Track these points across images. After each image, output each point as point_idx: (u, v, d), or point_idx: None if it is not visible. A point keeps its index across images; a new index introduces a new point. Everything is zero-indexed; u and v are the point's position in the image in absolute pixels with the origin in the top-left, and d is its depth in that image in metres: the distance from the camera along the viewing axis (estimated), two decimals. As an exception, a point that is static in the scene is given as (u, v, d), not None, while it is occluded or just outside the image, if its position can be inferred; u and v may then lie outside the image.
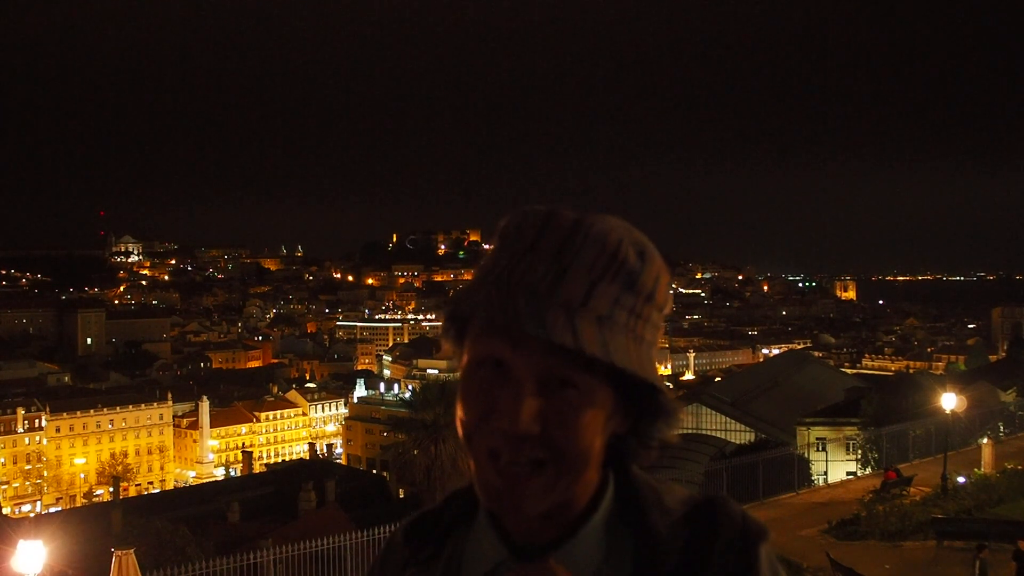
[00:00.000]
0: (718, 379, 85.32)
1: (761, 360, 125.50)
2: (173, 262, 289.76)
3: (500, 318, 0.93)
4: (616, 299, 0.95)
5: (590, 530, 0.99)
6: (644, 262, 0.98)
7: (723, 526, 0.97)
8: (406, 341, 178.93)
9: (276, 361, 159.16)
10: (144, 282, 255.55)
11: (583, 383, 0.93)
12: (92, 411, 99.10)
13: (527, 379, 0.93)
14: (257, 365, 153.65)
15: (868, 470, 27.94)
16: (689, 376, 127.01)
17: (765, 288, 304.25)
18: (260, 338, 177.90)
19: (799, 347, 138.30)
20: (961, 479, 22.80)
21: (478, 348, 0.96)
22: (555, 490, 0.95)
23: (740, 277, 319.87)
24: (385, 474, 50.62)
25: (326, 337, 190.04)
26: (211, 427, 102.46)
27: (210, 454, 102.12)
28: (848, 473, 29.96)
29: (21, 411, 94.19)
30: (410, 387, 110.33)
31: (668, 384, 0.80)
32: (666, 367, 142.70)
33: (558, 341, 0.90)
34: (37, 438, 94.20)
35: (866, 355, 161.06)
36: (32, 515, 70.51)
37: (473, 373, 0.97)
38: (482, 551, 1.03)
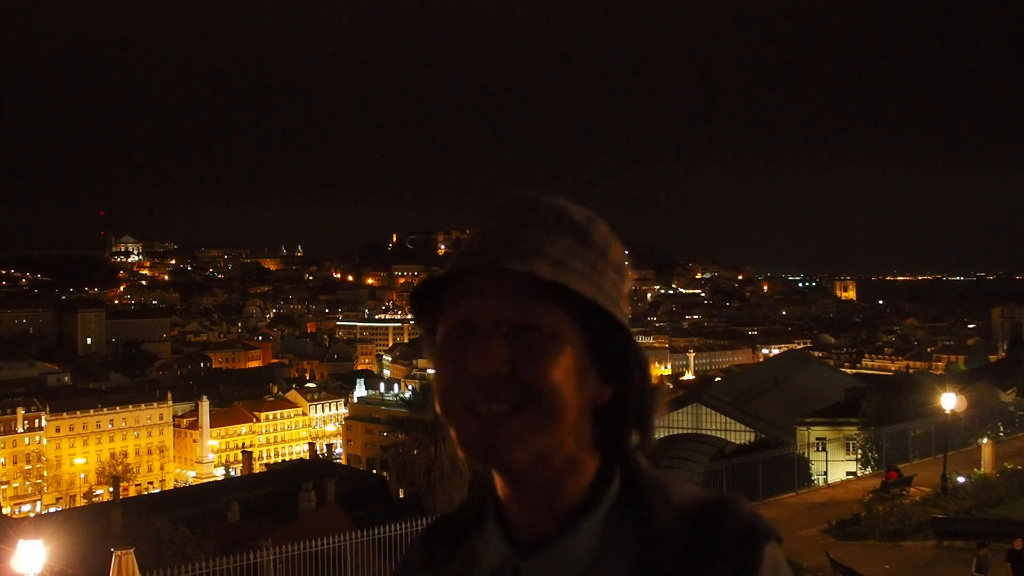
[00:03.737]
0: (718, 379, 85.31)
1: (761, 360, 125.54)
2: (173, 262, 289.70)
3: (459, 266, 0.99)
4: (571, 249, 0.99)
5: (592, 523, 0.99)
6: (591, 223, 1.03)
7: (729, 523, 0.96)
8: (406, 341, 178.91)
9: (276, 361, 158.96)
10: (144, 282, 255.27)
11: (547, 326, 0.97)
12: (92, 411, 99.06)
13: (493, 327, 0.97)
14: (257, 365, 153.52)
15: (868, 470, 27.93)
16: (689, 376, 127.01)
17: (765, 288, 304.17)
18: (260, 338, 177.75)
19: (799, 347, 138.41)
20: (961, 479, 22.78)
21: (448, 320, 1.01)
22: (534, 435, 0.96)
23: (740, 277, 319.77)
24: (385, 474, 50.54)
25: (326, 337, 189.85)
26: (211, 427, 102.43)
27: (210, 454, 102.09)
28: (848, 473, 29.95)
29: (21, 411, 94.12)
30: (410, 387, 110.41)
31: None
32: (666, 367, 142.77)
33: (508, 267, 0.95)
34: (37, 438, 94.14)
35: (866, 355, 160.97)
36: (32, 515, 70.52)
37: (446, 342, 1.01)
38: (489, 551, 1.05)
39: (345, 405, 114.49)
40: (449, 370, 0.99)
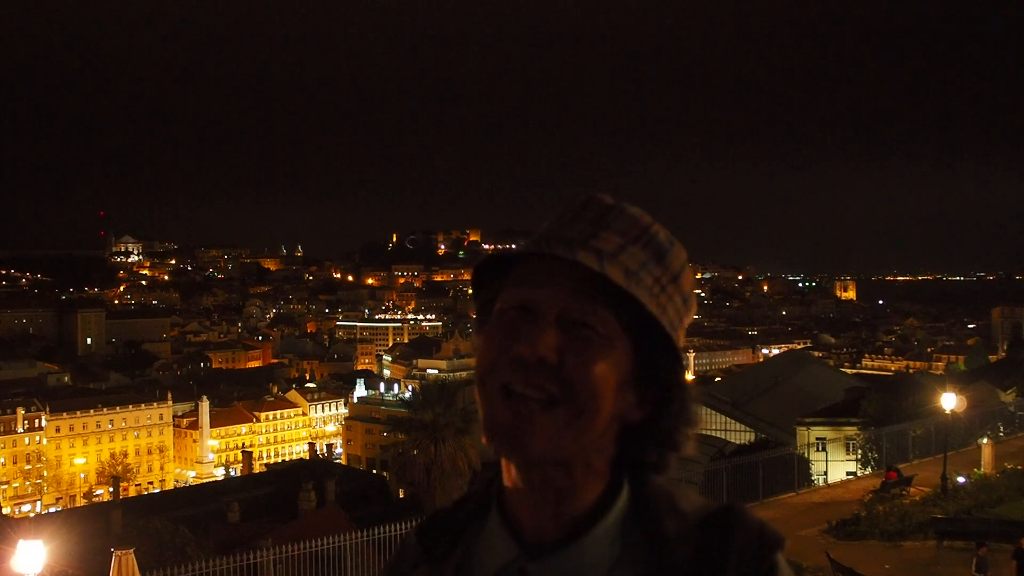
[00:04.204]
0: (718, 379, 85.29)
1: (761, 360, 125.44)
2: (173, 262, 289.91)
3: (533, 248, 0.98)
4: (644, 263, 0.99)
5: (602, 531, 0.98)
6: (672, 245, 1.03)
7: (739, 532, 0.96)
8: (406, 341, 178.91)
9: (276, 361, 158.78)
10: (144, 282, 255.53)
11: (603, 328, 0.96)
12: (92, 411, 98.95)
13: (549, 314, 0.96)
14: (257, 365, 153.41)
15: (868, 470, 27.92)
16: (689, 376, 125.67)
17: (765, 288, 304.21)
18: (260, 338, 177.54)
19: (799, 347, 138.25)
20: (961, 479, 22.77)
21: (506, 298, 1.00)
22: (563, 433, 0.95)
23: (740, 277, 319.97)
24: (385, 474, 50.54)
25: (326, 337, 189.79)
26: (211, 427, 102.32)
27: (210, 454, 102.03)
28: (848, 473, 29.93)
29: (21, 411, 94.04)
30: (410, 387, 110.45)
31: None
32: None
33: (583, 262, 0.95)
34: (37, 438, 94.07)
35: (866, 355, 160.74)
36: (32, 515, 70.49)
37: (499, 318, 1.00)
38: (493, 549, 1.03)
39: (345, 405, 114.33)
40: (495, 346, 0.98)
